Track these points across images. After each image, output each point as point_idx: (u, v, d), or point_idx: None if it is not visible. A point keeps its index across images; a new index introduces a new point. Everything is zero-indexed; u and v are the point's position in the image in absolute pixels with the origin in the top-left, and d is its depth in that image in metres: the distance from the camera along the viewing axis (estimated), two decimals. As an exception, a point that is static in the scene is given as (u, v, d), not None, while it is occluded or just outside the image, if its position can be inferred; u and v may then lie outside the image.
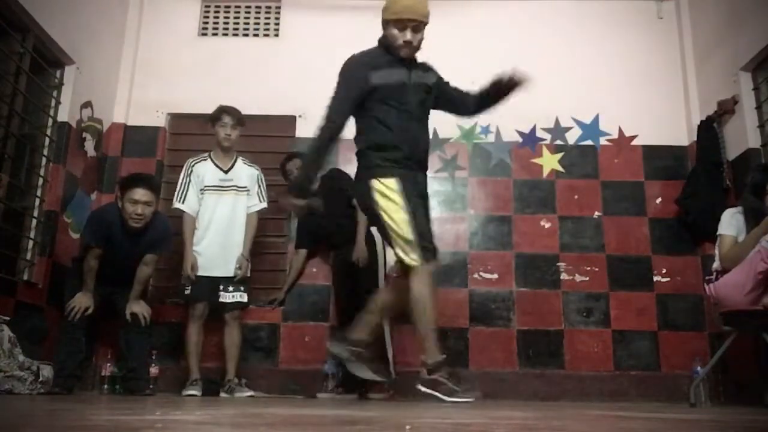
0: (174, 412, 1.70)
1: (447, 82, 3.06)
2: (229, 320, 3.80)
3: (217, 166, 3.88)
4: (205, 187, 3.82)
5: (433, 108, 3.01)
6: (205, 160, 3.90)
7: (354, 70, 2.80)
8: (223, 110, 3.88)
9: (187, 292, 3.75)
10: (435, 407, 2.51)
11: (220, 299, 3.75)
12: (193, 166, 3.88)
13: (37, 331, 3.52)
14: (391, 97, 2.76)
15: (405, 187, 2.71)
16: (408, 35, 2.76)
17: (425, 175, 2.92)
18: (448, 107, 3.09)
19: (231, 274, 3.77)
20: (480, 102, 3.04)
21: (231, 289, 3.77)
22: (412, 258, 2.67)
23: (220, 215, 3.82)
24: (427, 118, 2.97)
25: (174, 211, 3.94)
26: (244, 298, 3.81)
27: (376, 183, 2.73)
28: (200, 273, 3.74)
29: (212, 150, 3.95)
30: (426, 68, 2.99)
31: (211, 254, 3.77)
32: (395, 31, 2.77)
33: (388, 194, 2.71)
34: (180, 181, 3.87)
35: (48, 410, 1.81)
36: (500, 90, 2.99)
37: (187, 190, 3.82)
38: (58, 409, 1.82)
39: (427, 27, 2.85)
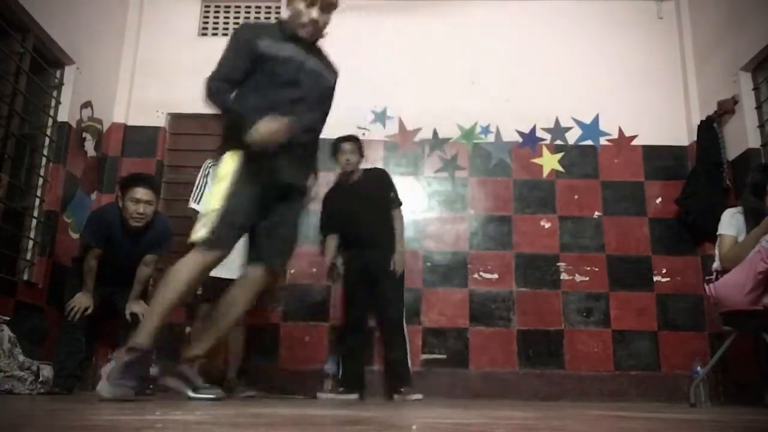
0: (174, 412, 1.70)
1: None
2: None
3: None
4: None
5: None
6: None
7: (241, 33, 2.57)
8: None
9: (199, 292, 3.76)
10: (435, 407, 2.51)
11: None
12: (210, 167, 3.87)
13: (37, 331, 3.52)
14: (277, 72, 2.47)
15: (246, 169, 2.40)
16: (314, 13, 2.50)
17: (298, 172, 2.56)
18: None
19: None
20: None
21: None
22: (197, 235, 2.36)
23: None
24: (322, 115, 2.67)
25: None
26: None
27: (226, 156, 2.46)
28: (211, 274, 3.74)
29: None
30: (330, 65, 2.70)
31: None
32: (301, 6, 2.50)
33: (225, 167, 2.43)
34: (197, 181, 3.86)
35: (48, 410, 1.81)
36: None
37: (203, 192, 3.82)
38: (58, 409, 1.82)
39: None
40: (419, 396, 3.60)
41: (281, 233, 2.57)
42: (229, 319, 2.59)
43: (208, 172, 3.86)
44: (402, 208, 3.95)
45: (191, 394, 2.44)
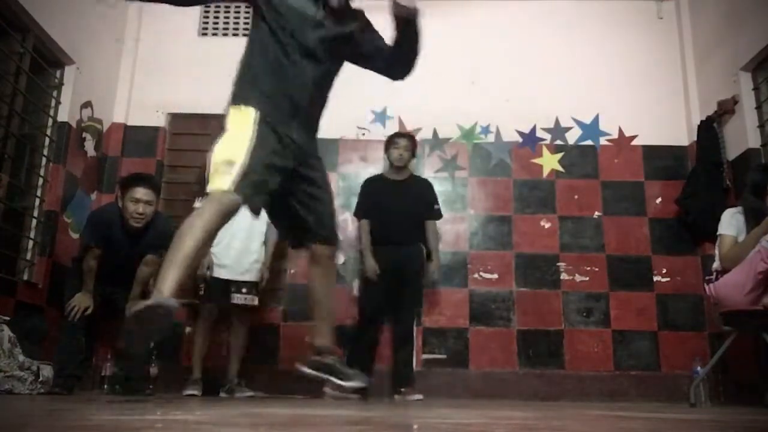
0: (174, 412, 1.70)
1: (376, 34, 2.47)
2: (237, 321, 3.82)
3: None
4: None
5: (353, 61, 2.49)
6: None
7: None
8: None
9: (202, 292, 3.78)
10: (435, 407, 2.51)
11: (232, 301, 3.77)
12: None
13: (37, 331, 3.52)
14: (281, 21, 2.30)
15: (265, 125, 2.20)
16: None
17: (307, 137, 2.36)
18: (371, 63, 2.51)
19: (245, 278, 3.79)
20: (395, 53, 2.44)
21: (244, 290, 3.79)
22: (220, 182, 2.09)
23: (239, 221, 3.82)
24: (332, 69, 2.44)
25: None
26: (255, 301, 3.83)
27: (231, 110, 2.27)
28: (215, 275, 3.76)
29: None
30: (350, 13, 2.46)
31: (227, 258, 3.78)
32: None
33: (239, 121, 2.22)
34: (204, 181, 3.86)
35: (48, 410, 1.81)
36: (399, 28, 2.34)
37: None
38: (58, 409, 1.82)
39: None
40: (419, 396, 3.59)
41: (322, 206, 2.42)
42: (328, 304, 2.48)
43: None
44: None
45: (341, 383, 2.33)
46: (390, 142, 3.97)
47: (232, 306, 3.79)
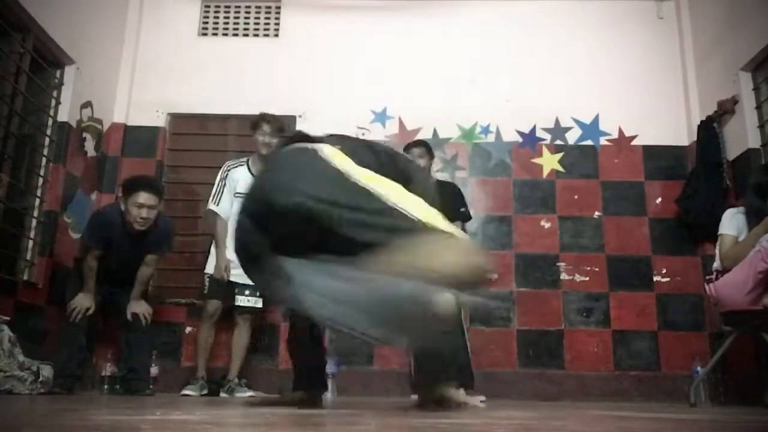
0: (174, 412, 1.70)
1: None
2: (241, 322, 3.81)
3: (252, 173, 3.83)
4: (237, 193, 3.77)
5: None
6: (242, 165, 3.87)
7: None
8: (262, 118, 3.82)
9: (206, 291, 3.78)
10: (435, 407, 2.51)
11: (237, 303, 3.75)
12: (229, 170, 3.86)
13: (37, 331, 3.52)
14: None
15: None
16: None
17: None
18: None
19: (250, 281, 3.79)
20: None
21: (247, 293, 3.77)
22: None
23: None
24: None
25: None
26: (259, 304, 3.81)
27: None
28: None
29: (252, 155, 3.92)
30: None
31: (234, 259, 3.77)
32: None
33: None
34: (216, 183, 3.86)
35: (48, 410, 1.81)
36: None
37: (222, 194, 3.81)
38: (58, 409, 1.82)
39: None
40: (482, 398, 3.56)
41: None
42: None
43: (227, 175, 3.85)
44: (467, 224, 3.92)
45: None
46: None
47: (236, 308, 3.78)
